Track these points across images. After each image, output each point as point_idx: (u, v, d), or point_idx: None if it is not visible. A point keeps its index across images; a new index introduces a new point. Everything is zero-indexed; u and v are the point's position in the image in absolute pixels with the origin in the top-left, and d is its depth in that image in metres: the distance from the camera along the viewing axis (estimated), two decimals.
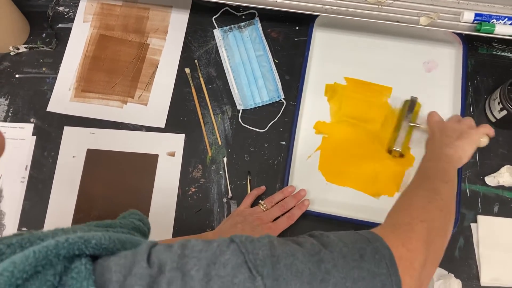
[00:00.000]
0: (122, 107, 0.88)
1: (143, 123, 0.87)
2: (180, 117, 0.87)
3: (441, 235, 0.54)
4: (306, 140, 0.85)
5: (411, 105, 0.83)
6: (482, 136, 0.73)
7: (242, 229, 0.74)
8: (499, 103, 0.80)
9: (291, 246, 0.41)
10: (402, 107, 0.85)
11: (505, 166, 0.80)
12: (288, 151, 0.83)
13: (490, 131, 0.74)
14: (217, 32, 0.92)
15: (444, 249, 0.54)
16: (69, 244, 0.35)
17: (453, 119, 0.78)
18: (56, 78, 0.91)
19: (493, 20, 0.77)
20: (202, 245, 0.39)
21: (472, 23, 0.79)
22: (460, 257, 0.77)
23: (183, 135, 0.86)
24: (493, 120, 0.83)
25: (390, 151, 0.82)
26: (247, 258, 0.37)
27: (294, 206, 0.79)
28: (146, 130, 0.86)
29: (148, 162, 0.84)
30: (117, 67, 0.91)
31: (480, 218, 0.79)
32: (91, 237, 0.37)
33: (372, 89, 0.87)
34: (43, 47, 0.93)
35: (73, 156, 0.85)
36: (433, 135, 0.76)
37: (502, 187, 0.81)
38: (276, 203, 0.79)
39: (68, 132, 0.87)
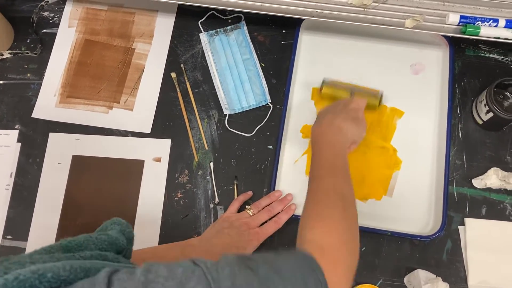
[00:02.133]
0: (107, 112, 0.88)
1: (128, 128, 0.86)
2: (166, 122, 0.86)
3: (356, 255, 0.57)
4: (293, 144, 0.85)
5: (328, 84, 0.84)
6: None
7: (229, 234, 0.74)
8: (485, 105, 0.79)
9: (248, 275, 0.42)
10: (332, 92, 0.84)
11: (492, 169, 0.80)
12: (275, 155, 0.82)
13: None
14: (203, 36, 0.92)
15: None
16: (19, 282, 0.34)
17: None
18: (41, 84, 0.90)
19: (478, 22, 0.77)
20: (167, 271, 0.38)
21: (458, 25, 0.78)
22: (448, 260, 0.77)
23: (169, 140, 0.85)
24: (480, 122, 0.83)
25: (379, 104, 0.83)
26: (213, 287, 0.38)
27: (281, 210, 0.78)
28: (132, 136, 0.86)
29: (134, 168, 0.84)
30: (103, 72, 0.90)
31: (467, 220, 0.79)
32: (48, 269, 0.35)
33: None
34: (27, 53, 0.92)
35: (59, 163, 0.84)
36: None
37: (489, 189, 0.80)
38: (263, 208, 0.78)
39: (53, 138, 0.86)
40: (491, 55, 0.89)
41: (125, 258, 0.54)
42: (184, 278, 0.38)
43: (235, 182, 0.82)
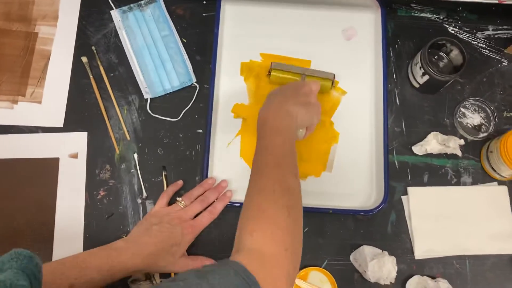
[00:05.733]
0: (12, 107, 0.79)
1: (38, 124, 0.78)
2: (80, 113, 0.78)
3: (299, 258, 0.54)
4: (224, 125, 0.79)
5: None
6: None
7: (160, 231, 0.67)
8: (420, 68, 0.76)
9: None
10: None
11: (432, 133, 0.78)
12: (205, 139, 0.76)
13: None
14: (115, 13, 0.83)
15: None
16: None
17: None
18: None
19: None
20: None
21: None
22: (393, 233, 0.74)
23: (86, 133, 0.78)
24: (417, 85, 0.80)
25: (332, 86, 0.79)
26: None
27: (216, 199, 0.73)
28: (43, 132, 0.77)
29: (48, 168, 0.76)
30: (2, 62, 0.81)
31: (410, 189, 0.76)
32: None
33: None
34: None
35: None
36: None
37: (430, 155, 0.78)
38: (196, 198, 0.73)
39: None
40: (424, 15, 0.85)
41: None
42: None
43: (163, 173, 0.75)
